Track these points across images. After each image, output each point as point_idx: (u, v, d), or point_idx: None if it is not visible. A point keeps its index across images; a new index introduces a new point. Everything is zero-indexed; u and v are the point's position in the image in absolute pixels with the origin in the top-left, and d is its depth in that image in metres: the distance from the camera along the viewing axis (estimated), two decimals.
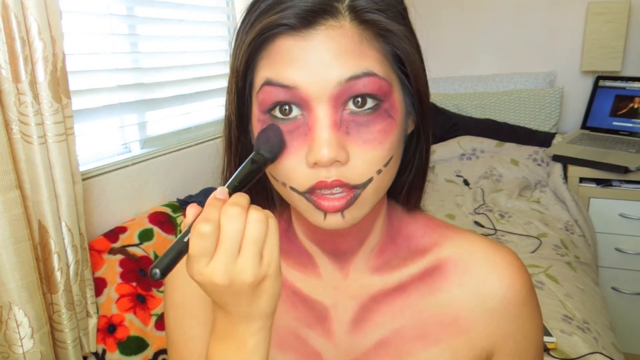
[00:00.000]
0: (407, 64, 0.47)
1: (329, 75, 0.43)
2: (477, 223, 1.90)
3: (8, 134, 0.96)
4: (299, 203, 0.47)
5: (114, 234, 1.32)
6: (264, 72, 0.46)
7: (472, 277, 0.55)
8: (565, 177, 2.10)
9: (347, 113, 0.45)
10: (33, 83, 0.99)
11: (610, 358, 1.20)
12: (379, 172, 0.46)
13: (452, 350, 0.54)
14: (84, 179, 1.23)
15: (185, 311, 0.59)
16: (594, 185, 2.07)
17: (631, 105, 2.25)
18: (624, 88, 2.28)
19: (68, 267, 1.09)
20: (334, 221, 0.46)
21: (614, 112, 2.30)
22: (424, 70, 0.50)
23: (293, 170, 0.46)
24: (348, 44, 0.44)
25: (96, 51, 1.39)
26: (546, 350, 1.17)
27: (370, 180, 0.45)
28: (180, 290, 0.60)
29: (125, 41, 1.51)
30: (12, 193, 0.95)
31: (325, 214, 0.46)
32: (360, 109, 0.44)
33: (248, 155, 0.47)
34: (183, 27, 1.72)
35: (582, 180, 2.09)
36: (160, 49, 1.66)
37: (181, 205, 1.55)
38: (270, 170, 0.48)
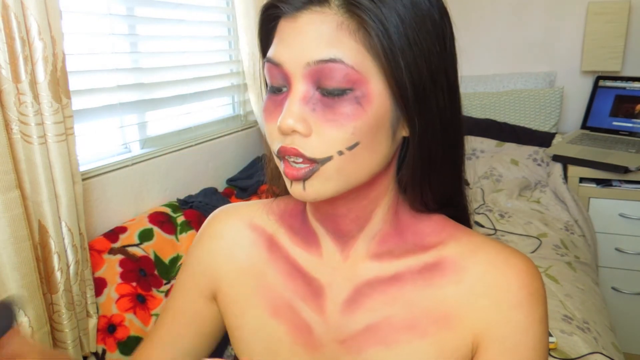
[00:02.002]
0: (387, 61, 0.47)
1: (303, 55, 0.48)
2: (477, 223, 1.90)
3: (8, 134, 0.96)
4: (279, 166, 0.52)
5: (114, 234, 1.32)
6: (269, 50, 0.51)
7: (469, 276, 0.55)
8: (565, 177, 2.10)
9: (319, 93, 0.48)
10: (33, 83, 0.99)
11: (610, 358, 1.20)
12: (341, 153, 0.48)
13: (439, 345, 0.54)
14: (84, 179, 1.23)
15: (190, 272, 0.67)
16: (594, 185, 2.07)
17: (631, 105, 2.26)
18: (624, 88, 2.28)
19: (68, 267, 1.09)
20: (297, 191, 0.51)
21: (614, 112, 2.30)
22: (432, 75, 0.50)
23: (271, 133, 0.51)
24: (325, 29, 0.47)
25: (96, 51, 1.39)
26: None
27: (329, 158, 0.48)
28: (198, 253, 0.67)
29: (125, 41, 1.50)
30: (12, 193, 0.95)
31: (291, 182, 0.51)
32: (328, 92, 0.48)
33: None
34: (183, 27, 1.72)
35: (582, 180, 2.09)
36: (160, 49, 1.66)
37: (181, 205, 1.55)
38: None
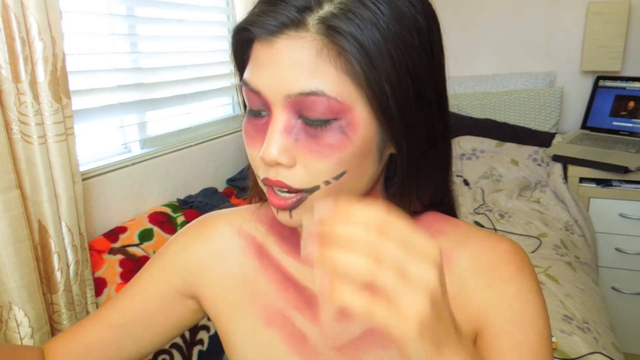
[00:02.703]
0: (370, 88, 0.44)
1: (282, 85, 0.45)
2: (477, 223, 1.90)
3: (8, 134, 0.96)
4: (265, 190, 0.51)
5: (114, 234, 1.32)
6: (245, 72, 0.49)
7: (458, 266, 0.55)
8: (565, 177, 2.10)
9: (301, 122, 0.46)
10: (33, 83, 0.99)
11: (610, 358, 1.20)
12: (327, 183, 0.47)
13: None
14: (84, 179, 1.23)
15: (161, 267, 0.66)
16: (594, 185, 2.07)
17: (631, 105, 2.25)
18: (624, 88, 2.28)
19: (68, 267, 1.09)
20: (284, 218, 0.50)
21: (614, 112, 2.30)
22: (419, 91, 0.47)
23: (254, 159, 0.50)
24: (303, 56, 0.44)
25: (96, 51, 1.39)
26: None
27: (316, 187, 0.47)
28: (175, 253, 0.66)
29: (125, 41, 1.50)
30: (12, 193, 0.94)
31: (277, 209, 0.50)
32: (311, 122, 0.45)
33: None
34: (183, 27, 1.72)
35: (582, 180, 2.09)
36: (160, 49, 1.66)
37: (181, 205, 1.55)
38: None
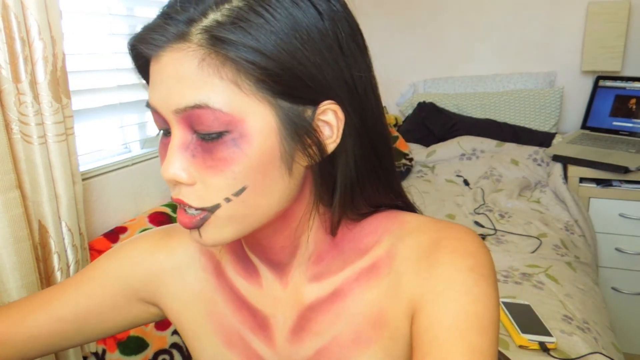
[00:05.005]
0: (261, 95, 0.43)
1: (170, 100, 0.44)
2: (477, 223, 1.90)
3: (8, 134, 0.96)
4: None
5: (114, 234, 1.32)
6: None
7: (396, 261, 0.52)
8: (565, 177, 2.10)
9: (196, 137, 0.45)
10: (33, 83, 0.99)
11: (610, 358, 1.20)
12: (228, 200, 0.45)
13: (384, 349, 0.52)
14: (84, 179, 1.23)
15: (104, 273, 0.64)
16: (594, 185, 2.07)
17: (631, 105, 2.26)
18: (624, 88, 2.29)
19: (68, 267, 1.09)
20: (195, 237, 0.49)
21: (614, 112, 2.30)
22: (326, 94, 0.45)
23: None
24: (185, 70, 0.43)
25: (96, 51, 1.39)
26: (546, 350, 1.17)
27: (217, 206, 0.46)
28: (119, 262, 0.64)
29: (125, 41, 1.50)
30: (12, 193, 0.94)
31: (187, 228, 0.48)
32: (204, 136, 0.44)
33: None
34: None
35: (582, 180, 2.09)
36: None
37: None
38: None
